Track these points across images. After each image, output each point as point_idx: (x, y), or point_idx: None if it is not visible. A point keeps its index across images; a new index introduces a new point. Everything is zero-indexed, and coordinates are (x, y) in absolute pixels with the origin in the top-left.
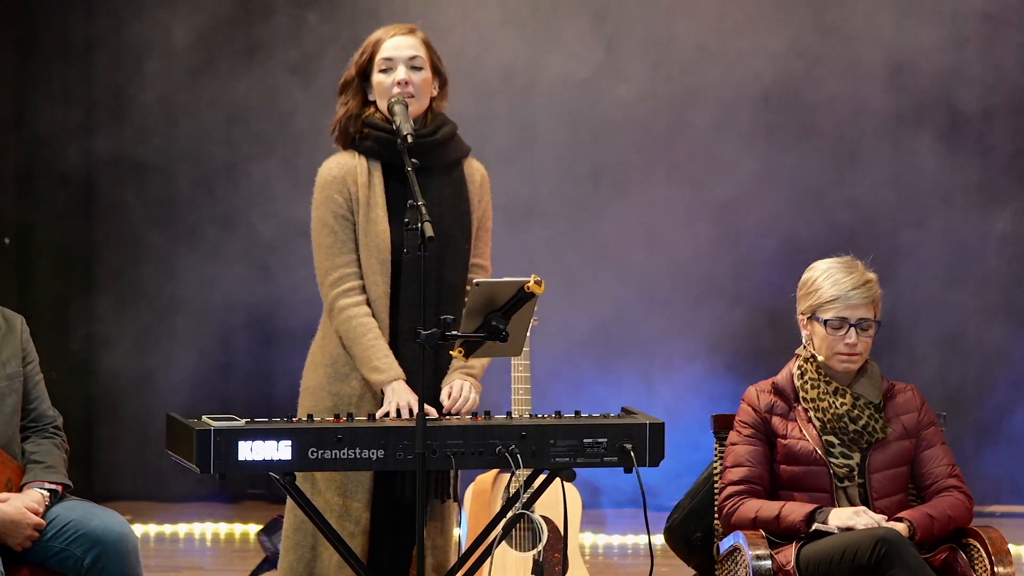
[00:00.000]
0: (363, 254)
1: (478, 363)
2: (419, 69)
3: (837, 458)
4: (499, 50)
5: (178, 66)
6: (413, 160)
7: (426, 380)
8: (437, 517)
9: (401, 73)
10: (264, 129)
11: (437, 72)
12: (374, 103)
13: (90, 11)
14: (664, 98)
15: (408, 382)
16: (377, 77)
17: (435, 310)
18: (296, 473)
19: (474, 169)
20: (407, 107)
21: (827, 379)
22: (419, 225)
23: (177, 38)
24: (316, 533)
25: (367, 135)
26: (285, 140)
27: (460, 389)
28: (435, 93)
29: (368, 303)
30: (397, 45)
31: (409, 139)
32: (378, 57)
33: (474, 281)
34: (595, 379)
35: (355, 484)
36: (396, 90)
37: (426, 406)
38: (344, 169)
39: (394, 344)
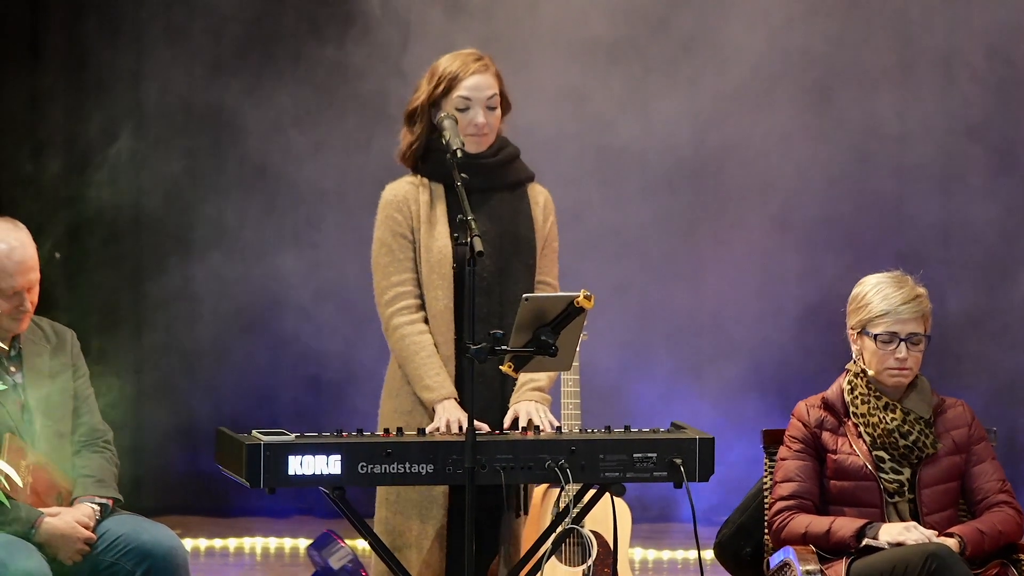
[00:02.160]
0: (424, 270)
1: (545, 376)
2: (494, 109)
3: (887, 473)
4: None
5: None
6: (463, 175)
7: (479, 393)
8: (514, 531)
9: (480, 117)
10: None
11: (504, 99)
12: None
13: (139, 37)
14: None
15: (471, 395)
16: (453, 112)
17: (498, 327)
18: (345, 487)
19: (537, 192)
20: (456, 122)
21: (877, 394)
22: (469, 240)
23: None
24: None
25: (428, 158)
26: None
27: (527, 418)
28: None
29: (426, 320)
30: (477, 85)
31: (459, 153)
32: (455, 95)
33: (524, 296)
34: (646, 391)
35: (428, 501)
36: (472, 130)
37: (477, 422)
38: (405, 190)
39: (458, 358)
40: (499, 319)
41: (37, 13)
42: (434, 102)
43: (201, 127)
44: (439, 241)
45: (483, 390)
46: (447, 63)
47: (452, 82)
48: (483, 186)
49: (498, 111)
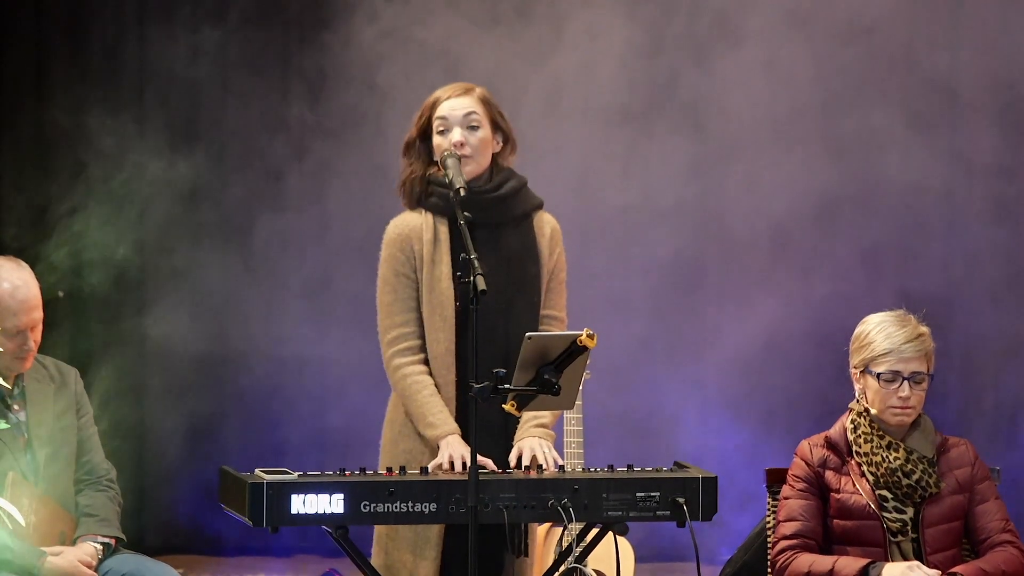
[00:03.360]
0: (426, 311)
1: (548, 412)
2: (476, 128)
3: (891, 512)
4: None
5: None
6: (466, 214)
7: (492, 433)
8: (515, 572)
9: (456, 135)
10: None
11: (498, 128)
12: (438, 162)
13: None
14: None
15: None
16: (435, 139)
17: (502, 364)
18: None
19: (544, 222)
20: (459, 160)
21: (880, 433)
22: (472, 279)
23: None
24: None
25: (432, 192)
26: None
27: (531, 454)
28: (497, 148)
29: (426, 361)
30: (452, 106)
31: (462, 192)
32: (435, 118)
33: (527, 335)
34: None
35: (423, 540)
36: (452, 150)
37: (481, 458)
38: (409, 227)
39: (459, 400)
40: (503, 358)
41: None
42: (422, 134)
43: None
44: (442, 282)
45: (485, 433)
46: (433, 94)
47: (432, 108)
48: (487, 221)
49: (483, 132)
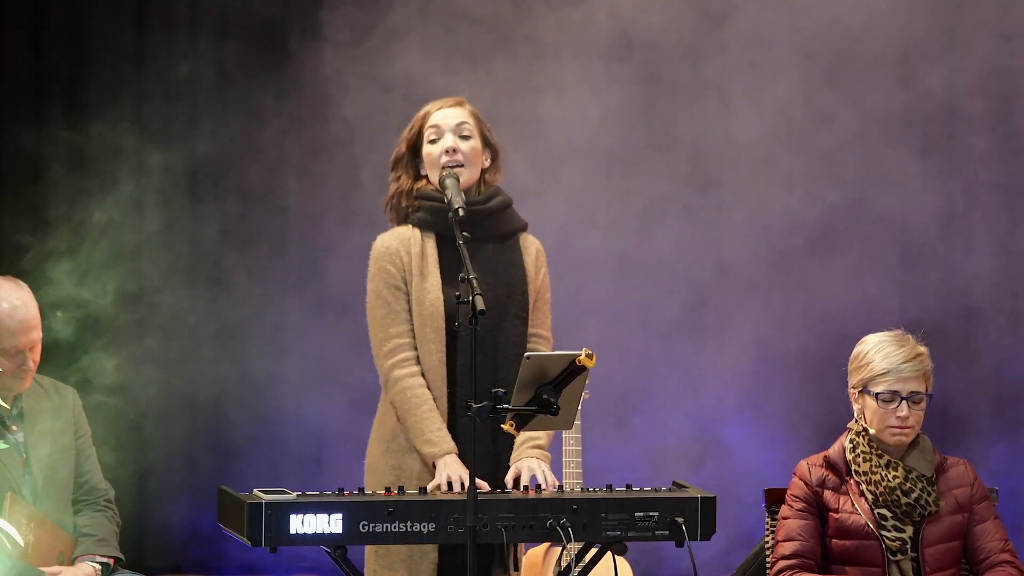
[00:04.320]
0: (417, 323)
1: (544, 433)
2: (467, 138)
3: (890, 531)
4: None
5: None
6: (464, 234)
7: (482, 451)
8: None
9: (449, 140)
10: None
11: (488, 144)
12: (426, 177)
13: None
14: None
15: (463, 453)
16: (426, 148)
17: (491, 380)
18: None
19: (529, 243)
20: (458, 180)
21: (879, 452)
22: (471, 299)
23: None
24: None
25: (419, 207)
26: None
27: (530, 475)
28: (486, 164)
29: (423, 373)
30: (445, 115)
31: (461, 212)
32: (426, 127)
33: (525, 355)
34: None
35: (419, 555)
36: (445, 158)
37: (478, 480)
38: (398, 240)
39: (451, 413)
40: (492, 373)
41: None
42: (412, 147)
43: None
44: (431, 294)
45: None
46: (423, 108)
47: (424, 119)
48: (475, 235)
49: (474, 143)
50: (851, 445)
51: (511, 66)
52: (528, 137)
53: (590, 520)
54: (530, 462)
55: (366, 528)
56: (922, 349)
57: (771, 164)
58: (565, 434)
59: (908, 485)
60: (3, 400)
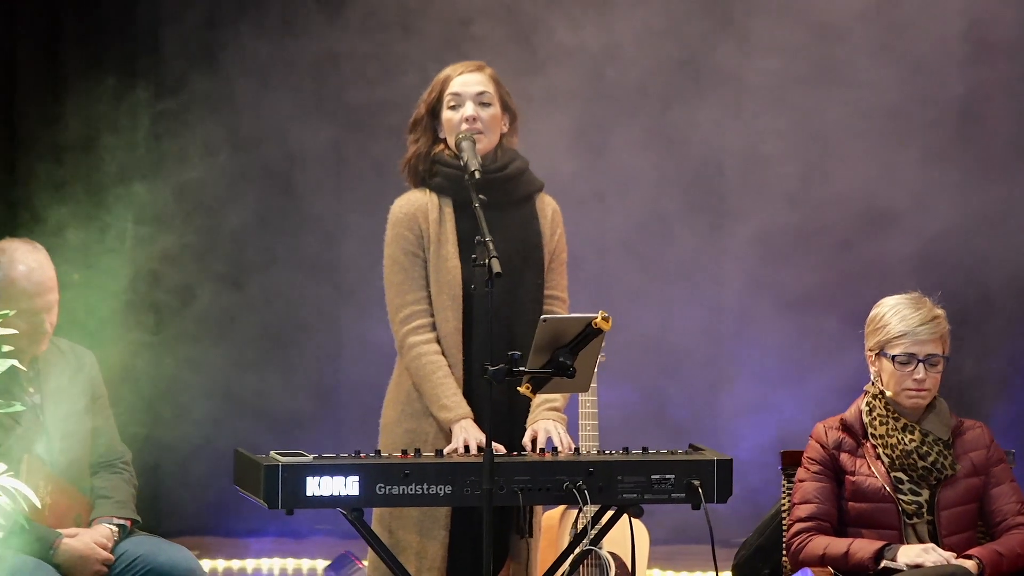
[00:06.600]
0: (434, 290)
1: (560, 396)
2: (487, 105)
3: (906, 495)
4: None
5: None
6: (480, 196)
7: (498, 415)
8: (519, 553)
9: (469, 109)
10: None
11: (507, 108)
12: (444, 140)
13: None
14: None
15: (480, 419)
16: (446, 114)
17: (507, 344)
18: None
19: (546, 203)
20: (475, 143)
21: (895, 415)
22: (487, 261)
23: None
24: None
25: (436, 172)
26: None
27: (547, 436)
28: (505, 129)
29: (438, 340)
30: (465, 82)
31: (477, 175)
32: (447, 93)
33: (541, 318)
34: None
35: (431, 521)
36: (464, 126)
37: (494, 444)
38: (415, 206)
39: (467, 380)
40: (508, 338)
41: None
42: (431, 110)
43: None
44: (449, 261)
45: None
46: (443, 71)
47: (444, 84)
48: (492, 201)
49: (494, 110)
50: (867, 408)
51: None
52: None
53: (606, 483)
54: (546, 424)
55: (382, 490)
56: (939, 311)
57: None
58: (581, 397)
59: (924, 448)
60: (20, 362)
